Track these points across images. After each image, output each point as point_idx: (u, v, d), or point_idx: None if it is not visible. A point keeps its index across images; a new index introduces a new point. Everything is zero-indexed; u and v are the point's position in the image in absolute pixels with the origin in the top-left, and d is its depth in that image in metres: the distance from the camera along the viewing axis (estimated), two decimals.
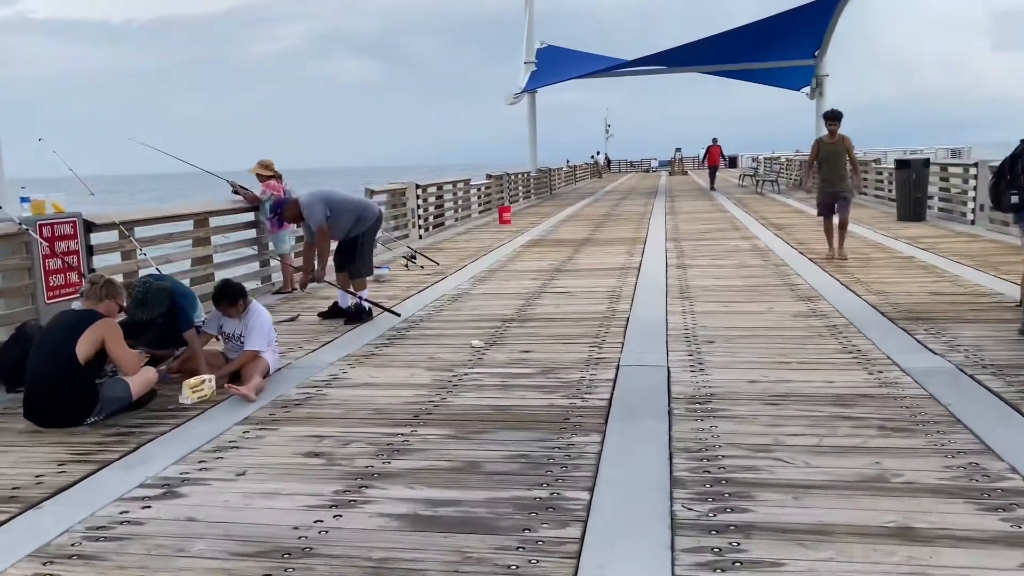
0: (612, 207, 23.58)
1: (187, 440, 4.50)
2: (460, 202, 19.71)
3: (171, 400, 5.19)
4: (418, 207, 15.76)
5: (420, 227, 15.93)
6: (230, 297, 5.74)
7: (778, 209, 20.01)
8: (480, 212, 21.37)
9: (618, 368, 5.65)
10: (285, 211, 7.68)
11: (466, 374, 5.63)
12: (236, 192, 9.61)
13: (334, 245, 7.79)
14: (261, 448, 4.34)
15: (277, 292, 9.57)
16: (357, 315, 7.50)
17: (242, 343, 5.66)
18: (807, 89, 31.81)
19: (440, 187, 17.81)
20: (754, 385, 5.13)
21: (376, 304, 7.67)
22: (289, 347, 6.65)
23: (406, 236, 15.07)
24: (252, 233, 9.81)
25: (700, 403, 4.81)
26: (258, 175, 9.51)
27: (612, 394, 5.05)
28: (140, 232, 7.84)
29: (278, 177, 9.49)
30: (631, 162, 76.85)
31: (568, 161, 48.37)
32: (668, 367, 5.63)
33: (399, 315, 7.59)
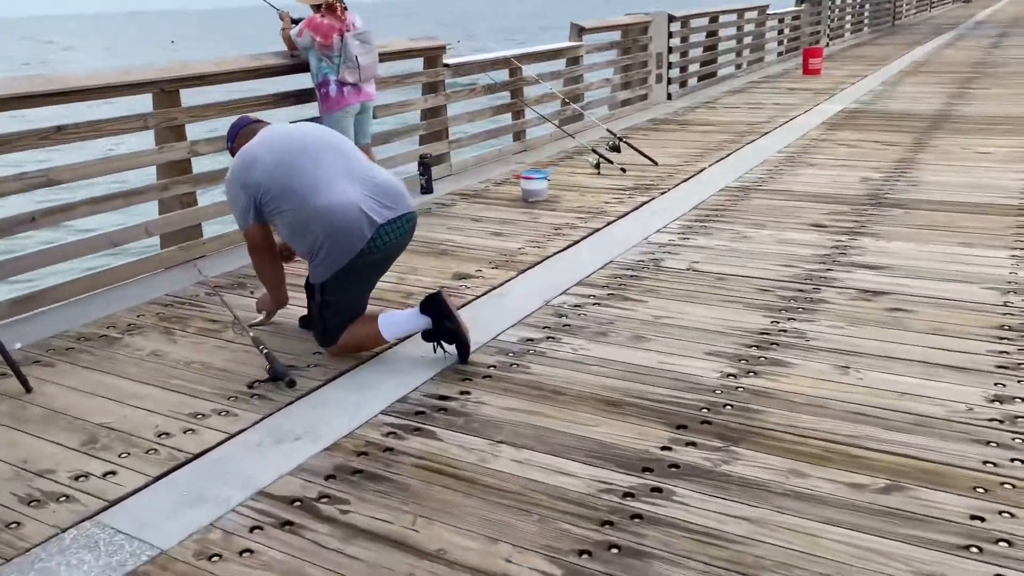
0: (986, 50, 16.00)
1: None
2: (749, 41, 13.86)
3: None
4: (670, 51, 10.54)
5: (671, 82, 10.77)
6: None
7: None
8: (779, 55, 15.27)
9: None
10: (233, 147, 3.45)
11: None
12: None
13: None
14: None
15: None
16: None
17: None
18: None
19: (714, 19, 12.21)
20: None
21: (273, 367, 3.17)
22: (169, 429, 2.62)
23: (644, 97, 10.10)
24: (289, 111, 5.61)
25: None
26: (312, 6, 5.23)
27: None
28: None
29: (330, 8, 5.12)
30: None
31: None
32: None
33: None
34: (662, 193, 5.89)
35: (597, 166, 6.61)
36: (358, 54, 5.16)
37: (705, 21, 11.95)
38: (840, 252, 4.43)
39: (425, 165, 6.15)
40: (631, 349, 3.33)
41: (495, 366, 3.23)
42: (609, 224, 5.18)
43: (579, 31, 8.63)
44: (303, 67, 5.26)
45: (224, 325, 3.72)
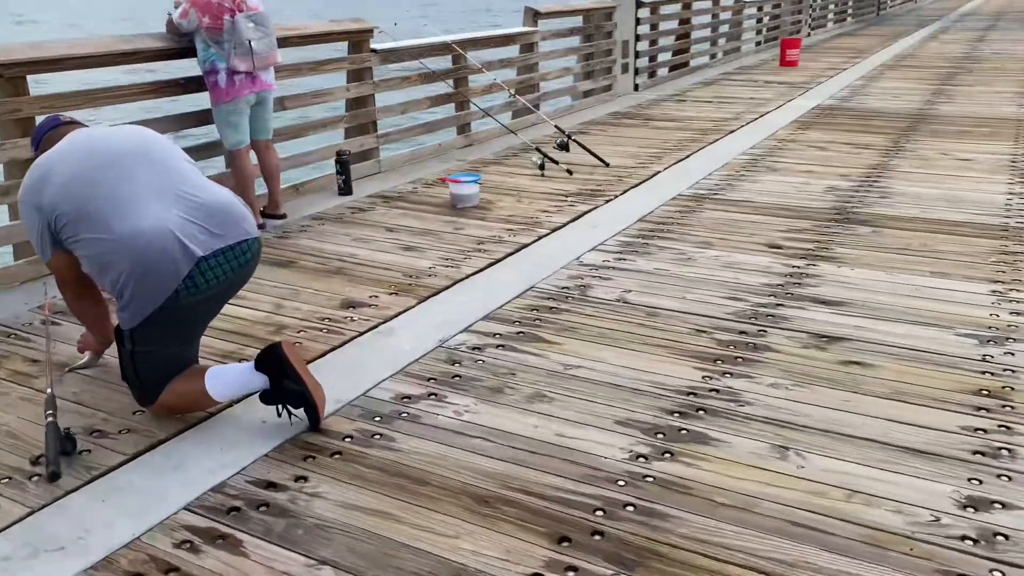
0: (972, 44, 15.45)
1: None
2: (725, 30, 13.20)
3: None
4: (637, 39, 9.87)
5: (638, 72, 10.10)
6: None
7: None
8: (756, 45, 14.62)
9: None
10: (38, 153, 2.75)
11: None
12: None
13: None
14: None
15: None
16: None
17: None
18: None
19: (687, 5, 11.52)
20: None
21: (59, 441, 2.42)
22: None
23: (608, 88, 9.44)
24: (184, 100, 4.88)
25: None
26: None
27: None
28: None
29: None
30: None
31: None
32: None
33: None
34: (607, 201, 5.26)
35: (541, 167, 5.95)
36: (252, 38, 4.47)
37: (677, 7, 11.28)
38: (795, 282, 3.81)
39: (343, 163, 5.47)
40: (526, 414, 2.70)
41: (352, 437, 2.59)
42: (540, 239, 4.54)
43: (534, 15, 7.94)
44: (188, 51, 4.56)
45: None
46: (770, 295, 3.66)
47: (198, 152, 4.86)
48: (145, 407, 2.67)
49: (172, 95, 4.64)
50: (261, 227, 4.80)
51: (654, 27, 10.61)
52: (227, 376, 2.60)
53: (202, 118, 4.74)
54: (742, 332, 3.29)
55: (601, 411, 2.71)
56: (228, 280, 2.57)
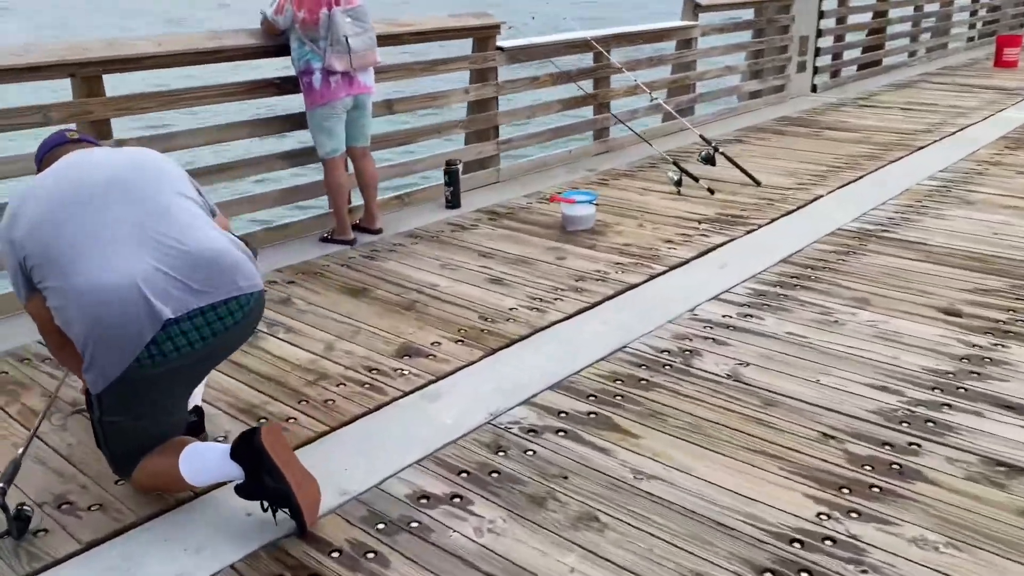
0: None
1: None
2: (930, 23, 11.57)
3: None
4: (820, 34, 8.71)
5: (818, 71, 8.93)
6: None
7: None
8: (968, 41, 12.77)
9: None
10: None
11: None
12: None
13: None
14: None
15: (329, 239, 4.46)
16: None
17: None
18: None
19: None
20: None
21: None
22: None
23: (780, 89, 8.39)
24: (273, 104, 4.56)
25: None
26: None
27: None
28: None
29: None
30: None
31: None
32: None
33: None
34: (748, 232, 4.44)
35: (678, 183, 5.20)
36: (348, 35, 4.06)
37: None
38: (973, 370, 2.89)
39: (452, 173, 4.98)
40: (564, 548, 2.07)
41: (340, 552, 2.07)
42: (653, 278, 3.83)
43: (694, 8, 7.10)
44: (278, 50, 4.21)
45: (55, 407, 2.77)
46: (934, 388, 2.78)
47: (291, 159, 4.55)
48: (122, 478, 2.29)
49: (267, 96, 4.32)
50: (352, 242, 4.41)
51: (841, 20, 9.38)
52: (202, 460, 2.14)
53: (297, 122, 4.40)
54: (886, 444, 2.46)
55: (664, 555, 2.03)
56: (208, 346, 2.11)
